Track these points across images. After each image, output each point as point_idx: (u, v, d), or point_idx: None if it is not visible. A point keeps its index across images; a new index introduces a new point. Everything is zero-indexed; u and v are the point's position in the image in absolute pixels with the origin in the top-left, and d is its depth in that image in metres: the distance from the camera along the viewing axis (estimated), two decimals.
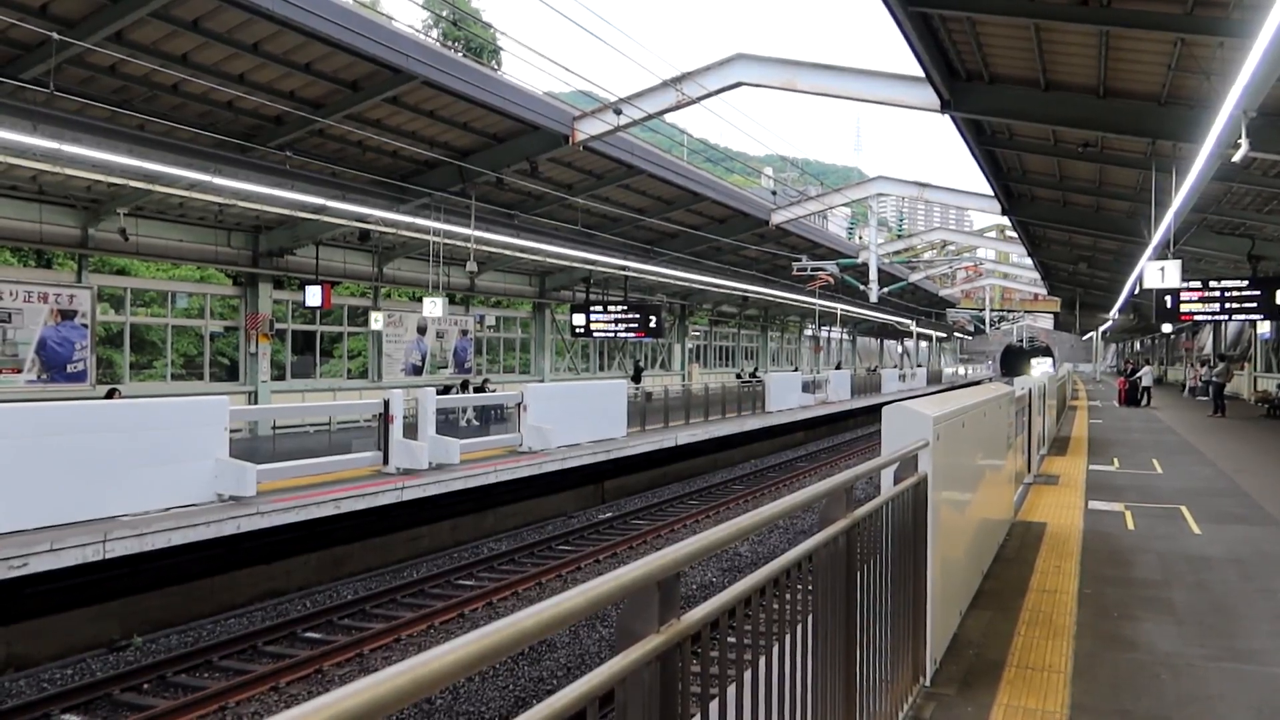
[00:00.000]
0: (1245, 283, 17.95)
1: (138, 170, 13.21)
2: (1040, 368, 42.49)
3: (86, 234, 16.66)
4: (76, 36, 10.77)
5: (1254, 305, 17.84)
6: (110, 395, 15.14)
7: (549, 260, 24.72)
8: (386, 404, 12.25)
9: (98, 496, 8.67)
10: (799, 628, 2.50)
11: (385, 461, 12.20)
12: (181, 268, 22.07)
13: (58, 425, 8.62)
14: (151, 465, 9.18)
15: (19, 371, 15.49)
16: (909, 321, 52.26)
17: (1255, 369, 31.10)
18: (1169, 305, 18.02)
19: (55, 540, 7.82)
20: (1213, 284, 18.09)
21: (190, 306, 21.03)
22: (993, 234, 46.93)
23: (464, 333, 26.60)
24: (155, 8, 10.75)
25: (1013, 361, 76.57)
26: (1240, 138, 8.88)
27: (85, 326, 16.48)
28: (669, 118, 17.47)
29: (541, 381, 28.00)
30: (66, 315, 16.18)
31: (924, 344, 70.92)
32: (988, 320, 69.15)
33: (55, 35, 10.37)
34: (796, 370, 46.11)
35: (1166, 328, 40.02)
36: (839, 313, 42.03)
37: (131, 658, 8.52)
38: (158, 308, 21.47)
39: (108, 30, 10.98)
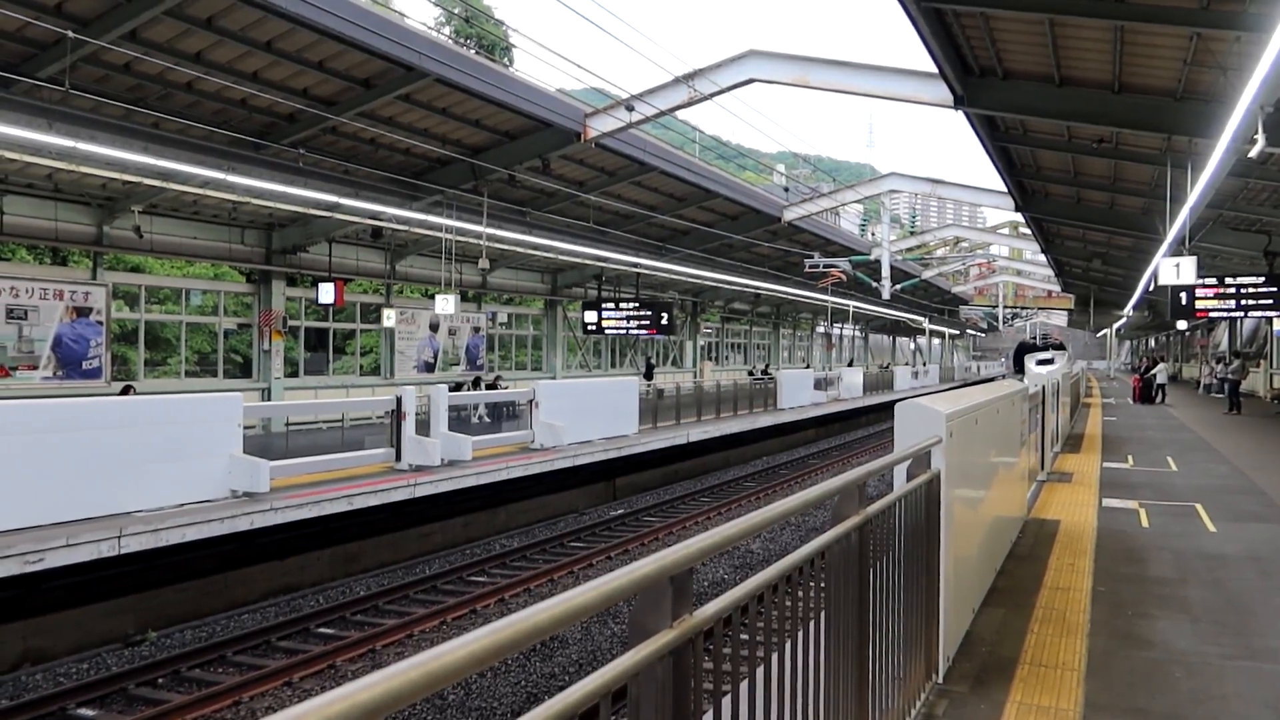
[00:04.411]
0: (1261, 279, 17.81)
1: (152, 168, 13.28)
2: (1042, 367, 37.05)
3: (101, 232, 16.77)
4: (91, 35, 10.83)
5: (1270, 302, 17.71)
6: (125, 392, 15.23)
7: (561, 257, 24.72)
8: (399, 401, 12.28)
9: (113, 492, 8.73)
10: (811, 624, 2.49)
11: (398, 458, 12.23)
12: (195, 265, 22.19)
13: (73, 422, 8.67)
14: (166, 461, 9.22)
15: (35, 368, 15.61)
16: (921, 318, 52.08)
17: (1271, 366, 30.88)
18: (1184, 302, 17.89)
19: (71, 536, 7.88)
20: (1228, 280, 17.96)
21: (204, 304, 21.15)
22: (1006, 230, 46.65)
23: (476, 330, 26.66)
24: (169, 6, 10.81)
25: (1026, 359, 76.11)
26: (1257, 133, 8.81)
27: (100, 323, 16.58)
28: (681, 115, 17.46)
29: (553, 379, 28.04)
30: (82, 312, 16.29)
31: (936, 341, 70.66)
32: (1001, 317, 68.87)
33: (70, 34, 10.44)
34: (808, 367, 46.03)
35: (1182, 325, 39.80)
36: (851, 310, 41.94)
37: (146, 652, 8.58)
38: (172, 305, 21.59)
39: (122, 29, 11.04)
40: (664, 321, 24.88)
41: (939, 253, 52.99)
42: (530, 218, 21.39)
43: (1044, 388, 10.70)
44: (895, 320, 54.06)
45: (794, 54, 14.29)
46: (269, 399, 19.61)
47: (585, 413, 15.83)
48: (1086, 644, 4.76)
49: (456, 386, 21.22)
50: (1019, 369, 64.98)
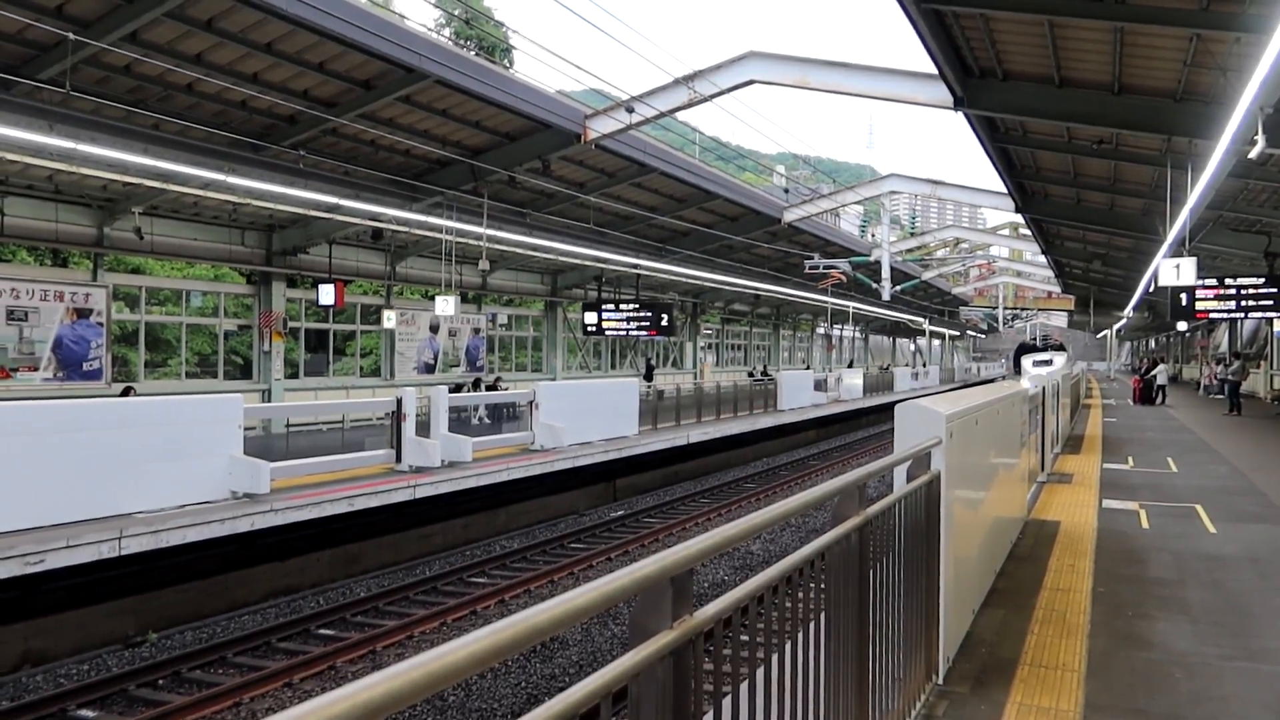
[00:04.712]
0: (1261, 280, 17.82)
1: (152, 169, 13.29)
2: (1037, 369, 34.27)
3: (102, 233, 16.78)
4: (92, 37, 10.84)
5: (1270, 302, 17.72)
6: (126, 393, 15.23)
7: (561, 259, 24.74)
8: (399, 402, 12.29)
9: (113, 493, 8.73)
10: (811, 625, 2.50)
11: (398, 459, 12.23)
12: (196, 266, 22.20)
13: (74, 423, 8.68)
14: (166, 462, 9.23)
15: (35, 370, 15.61)
16: (921, 320, 52.09)
17: (1271, 367, 30.87)
18: (1184, 303, 17.90)
19: (71, 537, 7.88)
20: (1229, 281, 17.97)
21: (204, 305, 21.15)
22: (1006, 231, 46.59)
23: (476, 331, 26.67)
24: (170, 8, 10.82)
25: (1022, 359, 75.85)
26: (1256, 134, 8.82)
27: (101, 325, 16.59)
28: (681, 116, 17.46)
29: (553, 380, 28.04)
30: (82, 314, 16.30)
31: (936, 342, 70.67)
32: (1001, 318, 68.83)
33: (71, 36, 10.44)
34: (808, 368, 46.04)
35: (1182, 326, 39.81)
36: (851, 311, 41.94)
37: (147, 653, 8.58)
38: (172, 306, 21.59)
39: (123, 30, 11.05)
40: (664, 323, 24.89)
41: (939, 254, 52.96)
42: (530, 219, 21.39)
43: (1044, 389, 10.70)
44: (895, 321, 54.07)
45: (794, 55, 14.30)
46: (269, 400, 19.62)
47: (585, 414, 15.83)
48: (1087, 645, 4.76)
49: (457, 388, 21.22)
50: (1019, 370, 64.84)
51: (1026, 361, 42.88)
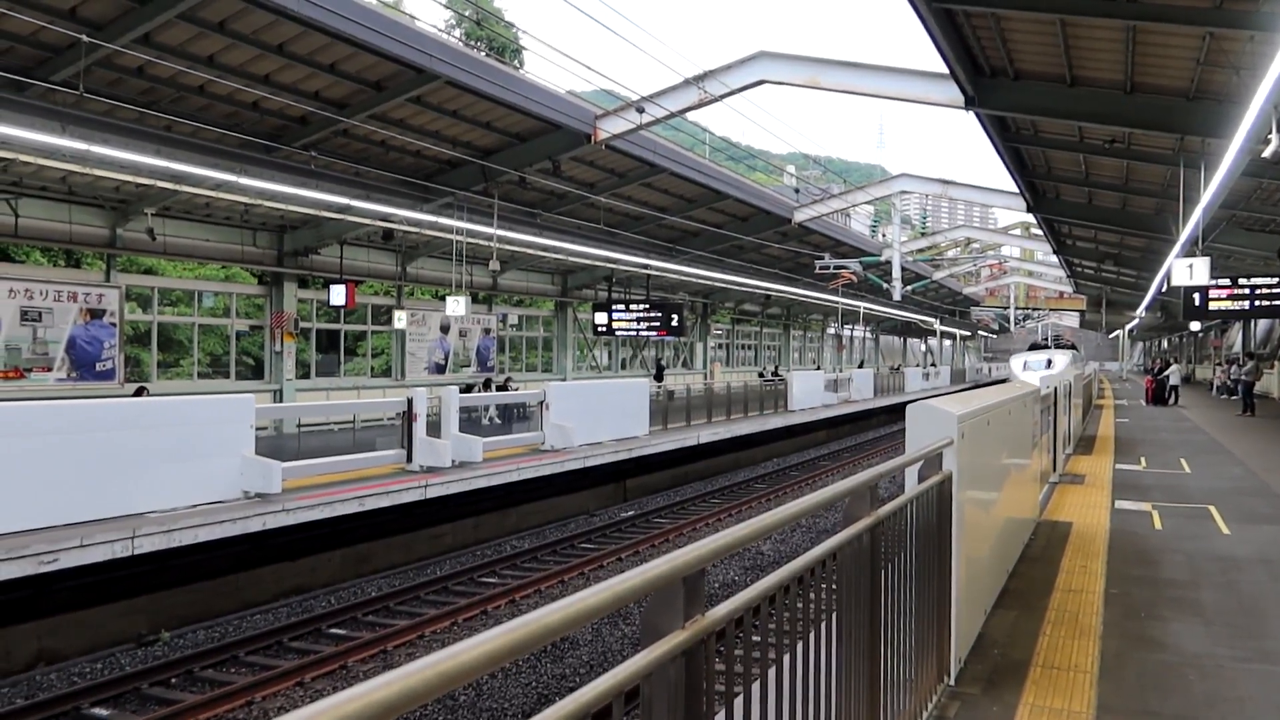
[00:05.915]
0: (1275, 280, 17.66)
1: (165, 171, 13.35)
2: (1033, 371, 30.87)
3: (115, 234, 16.87)
4: (105, 39, 10.89)
5: None
6: (138, 393, 15.31)
7: (571, 259, 24.76)
8: (410, 402, 12.31)
9: (126, 493, 8.78)
10: (823, 625, 2.49)
11: (409, 459, 12.26)
12: (207, 267, 22.30)
13: (87, 423, 8.73)
14: (179, 462, 9.28)
15: (49, 370, 15.70)
16: (932, 320, 51.92)
17: None
18: (1197, 303, 17.76)
19: (85, 536, 7.93)
20: (1242, 281, 17.81)
21: (216, 305, 21.25)
22: (1017, 231, 46.34)
23: (486, 331, 26.71)
24: (182, 10, 10.87)
25: (1013, 360, 75.06)
26: (1270, 133, 8.77)
27: (113, 325, 16.68)
28: (691, 116, 17.46)
29: (564, 380, 28.07)
30: (95, 314, 16.39)
31: (947, 342, 70.44)
32: (1012, 318, 68.50)
33: (84, 38, 10.50)
34: (819, 369, 45.95)
35: (1195, 326, 39.56)
36: (862, 311, 41.84)
37: (159, 653, 8.63)
38: (184, 307, 21.69)
39: (136, 32, 11.11)
40: (674, 323, 24.86)
41: (950, 254, 52.74)
42: (540, 219, 21.42)
43: (1056, 389, 10.65)
44: (906, 322, 53.92)
45: (804, 55, 14.28)
46: (281, 400, 19.69)
47: (595, 414, 15.84)
48: (1099, 646, 4.74)
49: (467, 388, 21.25)
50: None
51: (1016, 363, 37.69)
